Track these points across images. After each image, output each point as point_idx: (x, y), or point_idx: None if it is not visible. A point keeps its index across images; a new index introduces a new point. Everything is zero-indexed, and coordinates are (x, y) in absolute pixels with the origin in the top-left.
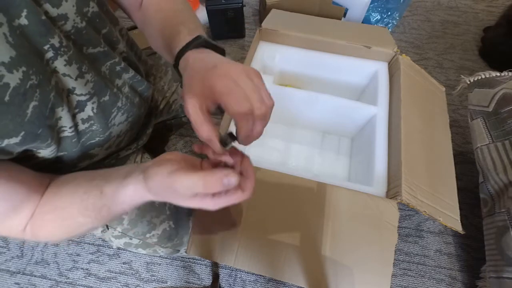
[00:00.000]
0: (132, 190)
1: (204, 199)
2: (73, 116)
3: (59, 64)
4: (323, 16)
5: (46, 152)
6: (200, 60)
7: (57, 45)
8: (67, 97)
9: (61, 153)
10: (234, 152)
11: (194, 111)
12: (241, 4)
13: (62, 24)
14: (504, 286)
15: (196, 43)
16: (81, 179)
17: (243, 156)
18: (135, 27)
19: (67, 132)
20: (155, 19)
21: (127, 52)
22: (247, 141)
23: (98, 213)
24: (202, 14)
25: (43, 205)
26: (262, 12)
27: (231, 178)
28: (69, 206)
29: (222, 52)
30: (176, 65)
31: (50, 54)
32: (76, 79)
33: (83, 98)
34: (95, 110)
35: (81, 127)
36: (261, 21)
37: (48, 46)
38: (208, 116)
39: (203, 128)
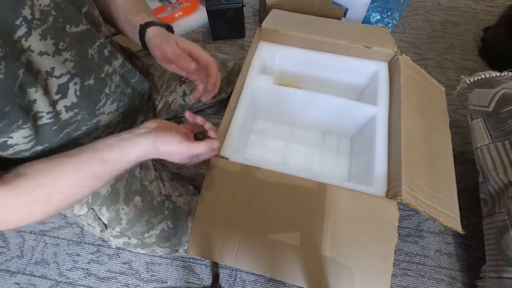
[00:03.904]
0: (138, 152)
1: (193, 158)
2: (55, 102)
3: (34, 41)
4: (323, 16)
5: (19, 137)
6: (168, 35)
7: (29, 17)
8: (45, 80)
9: (42, 146)
10: (203, 122)
11: (176, 47)
12: (241, 4)
13: None
14: (504, 286)
15: (165, 25)
16: (61, 157)
17: (209, 128)
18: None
19: (45, 119)
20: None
21: (111, 38)
22: (213, 88)
23: (98, 179)
24: (202, 14)
25: (12, 189)
26: (262, 12)
27: (217, 144)
28: (55, 182)
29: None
30: (144, 28)
31: (23, 30)
32: (53, 56)
33: (64, 79)
34: (78, 93)
35: (65, 115)
36: (261, 21)
37: (20, 19)
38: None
39: (185, 57)
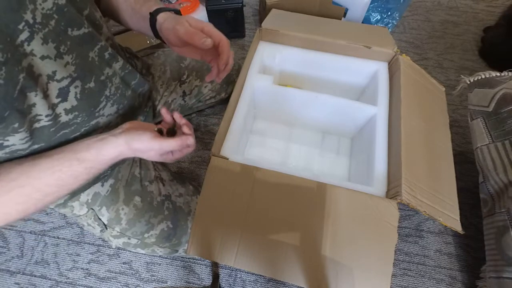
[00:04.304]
0: (114, 152)
1: (168, 155)
2: (55, 105)
3: (36, 45)
4: (323, 16)
5: (15, 140)
6: (178, 16)
7: (31, 21)
8: (46, 84)
9: (38, 145)
10: (179, 118)
11: (189, 27)
12: (241, 4)
13: (43, 0)
14: (504, 286)
15: (167, 9)
16: (40, 157)
17: (183, 124)
18: (124, 31)
19: (44, 121)
20: None
21: (112, 39)
22: (225, 68)
23: (77, 179)
24: (202, 14)
25: None
26: (262, 12)
27: (191, 139)
28: (34, 181)
29: None
30: (154, 15)
31: (25, 34)
32: (55, 60)
33: (65, 83)
34: (78, 96)
35: (64, 118)
36: (261, 21)
37: (23, 24)
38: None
39: (200, 33)
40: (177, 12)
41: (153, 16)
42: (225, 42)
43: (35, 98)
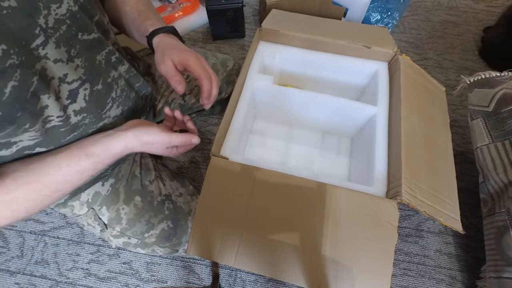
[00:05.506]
0: (122, 145)
1: (173, 149)
2: (65, 107)
3: (50, 49)
4: (323, 16)
5: (23, 137)
6: (172, 42)
7: (43, 26)
8: (58, 86)
9: (46, 148)
10: (181, 116)
11: (171, 67)
12: (241, 4)
13: (57, 6)
14: (504, 286)
15: (167, 29)
16: (48, 155)
17: (187, 120)
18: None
19: (55, 122)
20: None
21: (118, 44)
22: (208, 100)
23: (83, 174)
24: (202, 14)
25: None
26: (262, 12)
27: (196, 138)
28: (43, 178)
29: (182, 40)
30: (149, 39)
31: (41, 39)
32: (67, 63)
33: (75, 85)
34: (87, 98)
35: (74, 119)
36: (261, 21)
37: (38, 29)
38: (178, 71)
39: (177, 77)
40: (175, 31)
41: (149, 41)
42: (205, 80)
43: (47, 100)
